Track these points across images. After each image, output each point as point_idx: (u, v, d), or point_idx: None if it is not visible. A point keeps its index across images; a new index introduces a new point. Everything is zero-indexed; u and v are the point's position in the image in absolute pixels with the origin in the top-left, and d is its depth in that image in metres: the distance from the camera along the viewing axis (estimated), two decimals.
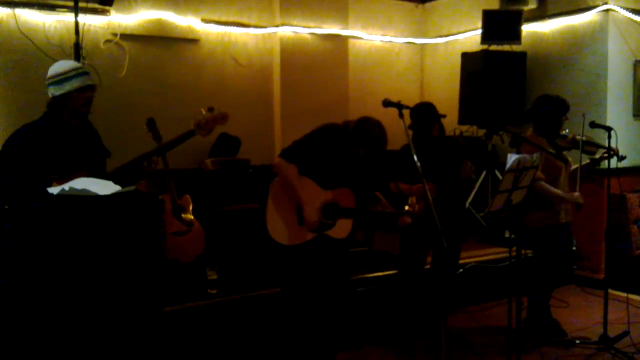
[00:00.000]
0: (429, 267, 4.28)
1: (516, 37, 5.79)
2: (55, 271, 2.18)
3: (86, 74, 3.10)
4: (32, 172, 2.83)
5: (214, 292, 4.07)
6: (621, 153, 4.19)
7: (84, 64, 4.48)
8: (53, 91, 3.00)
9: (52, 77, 3.00)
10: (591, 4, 5.55)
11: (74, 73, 3.02)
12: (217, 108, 3.23)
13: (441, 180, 3.94)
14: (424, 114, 4.08)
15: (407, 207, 3.38)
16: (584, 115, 4.15)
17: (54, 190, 2.39)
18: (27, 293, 2.15)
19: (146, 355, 2.39)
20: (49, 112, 3.03)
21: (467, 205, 5.20)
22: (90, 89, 3.05)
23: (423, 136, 4.09)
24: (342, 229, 3.45)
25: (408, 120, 3.08)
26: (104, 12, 5.13)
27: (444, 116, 4.16)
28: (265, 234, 3.32)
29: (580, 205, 4.04)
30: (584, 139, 4.16)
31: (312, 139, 3.41)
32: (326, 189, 3.40)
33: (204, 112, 3.15)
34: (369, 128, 3.36)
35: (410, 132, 3.92)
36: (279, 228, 3.34)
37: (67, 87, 2.97)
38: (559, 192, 4.06)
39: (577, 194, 4.03)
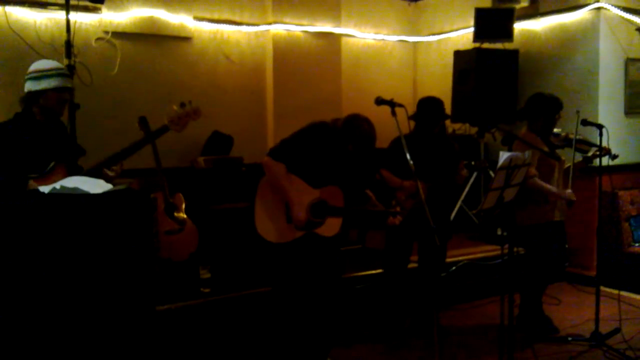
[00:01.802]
0: (414, 265, 4.29)
1: (508, 35, 5.80)
2: (44, 270, 2.17)
3: (66, 75, 3.06)
4: (4, 170, 2.81)
5: (207, 290, 4.07)
6: (613, 151, 4.22)
7: (75, 62, 4.44)
8: (29, 86, 2.97)
9: (31, 72, 2.97)
10: (582, 2, 5.57)
11: (53, 72, 2.99)
12: (189, 103, 3.23)
13: (433, 179, 3.94)
14: (433, 109, 4.09)
15: (394, 202, 3.39)
16: (577, 112, 4.16)
17: (45, 188, 2.37)
18: (15, 293, 2.14)
19: (138, 355, 2.39)
20: (22, 110, 2.99)
21: (459, 204, 5.21)
22: (67, 90, 3.02)
23: (424, 130, 4.09)
24: (331, 226, 3.45)
25: (402, 117, 3.06)
26: (95, 10, 5.09)
27: (449, 117, 4.17)
28: (255, 232, 3.31)
29: (572, 203, 4.06)
30: (578, 137, 4.18)
31: (300, 137, 3.39)
32: (315, 187, 3.39)
33: (175, 108, 3.14)
34: (358, 124, 3.37)
35: (411, 124, 3.89)
36: (267, 226, 3.33)
37: (44, 84, 2.94)
38: (552, 187, 4.08)
39: (569, 190, 4.05)
